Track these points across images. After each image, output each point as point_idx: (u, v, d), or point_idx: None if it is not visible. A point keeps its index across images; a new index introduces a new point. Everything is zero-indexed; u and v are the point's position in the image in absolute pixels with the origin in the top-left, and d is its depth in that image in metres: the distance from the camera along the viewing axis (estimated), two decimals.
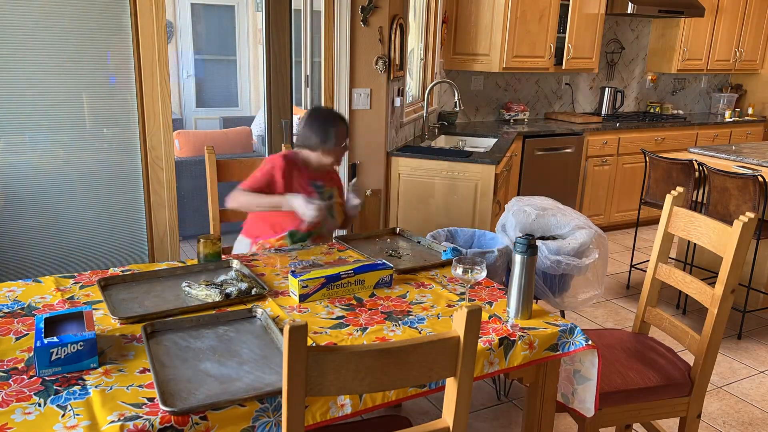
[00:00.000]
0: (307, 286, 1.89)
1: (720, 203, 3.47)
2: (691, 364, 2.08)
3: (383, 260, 2.09)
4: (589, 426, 2.00)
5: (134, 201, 3.00)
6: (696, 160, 3.63)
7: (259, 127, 6.27)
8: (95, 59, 2.77)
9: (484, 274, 1.86)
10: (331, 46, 3.47)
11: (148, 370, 1.47)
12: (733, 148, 4.34)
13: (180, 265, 2.14)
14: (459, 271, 1.85)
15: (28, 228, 2.79)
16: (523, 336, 1.72)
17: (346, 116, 3.58)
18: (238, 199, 2.43)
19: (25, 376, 1.43)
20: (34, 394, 1.36)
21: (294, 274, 1.92)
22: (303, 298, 1.89)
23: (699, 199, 3.70)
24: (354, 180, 2.61)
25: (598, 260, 2.55)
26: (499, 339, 1.69)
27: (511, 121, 5.40)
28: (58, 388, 1.39)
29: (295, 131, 3.66)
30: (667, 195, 2.23)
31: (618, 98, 5.91)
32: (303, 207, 2.35)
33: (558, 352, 1.77)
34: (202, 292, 1.88)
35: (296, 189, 2.50)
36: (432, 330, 1.75)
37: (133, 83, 2.85)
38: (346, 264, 2.11)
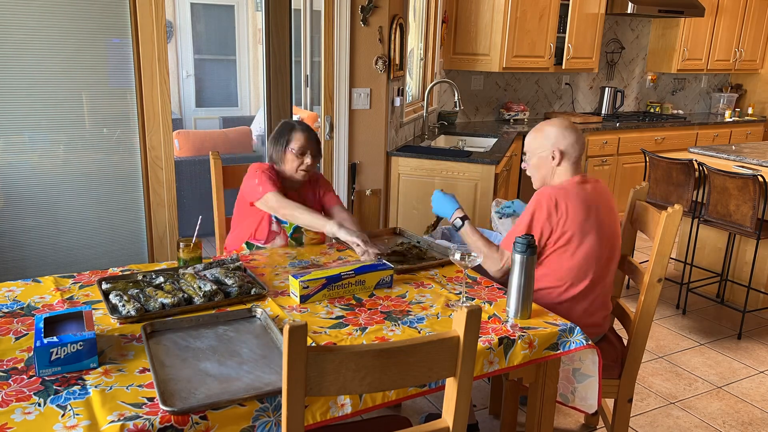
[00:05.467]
0: (308, 287, 1.89)
1: (720, 203, 3.47)
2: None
3: (384, 260, 2.10)
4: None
5: (134, 201, 3.00)
6: (696, 160, 3.63)
7: (259, 127, 6.26)
8: (95, 59, 2.77)
9: (480, 260, 1.89)
10: (331, 45, 3.47)
11: (148, 370, 1.47)
12: (733, 148, 4.34)
13: (180, 264, 2.13)
14: (457, 256, 1.88)
15: (27, 228, 2.79)
16: (522, 335, 1.72)
17: (346, 116, 3.58)
18: (280, 211, 2.29)
19: (24, 376, 1.43)
20: (34, 394, 1.36)
21: (294, 275, 1.92)
22: (304, 299, 1.89)
23: (699, 199, 3.70)
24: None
25: None
26: (499, 338, 1.69)
27: (511, 120, 5.40)
28: (58, 388, 1.39)
29: None
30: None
31: (618, 98, 5.91)
32: (347, 237, 2.20)
33: (558, 351, 1.77)
34: (193, 284, 1.88)
35: None
36: (431, 330, 1.75)
37: (132, 83, 2.85)
38: (346, 264, 2.11)
